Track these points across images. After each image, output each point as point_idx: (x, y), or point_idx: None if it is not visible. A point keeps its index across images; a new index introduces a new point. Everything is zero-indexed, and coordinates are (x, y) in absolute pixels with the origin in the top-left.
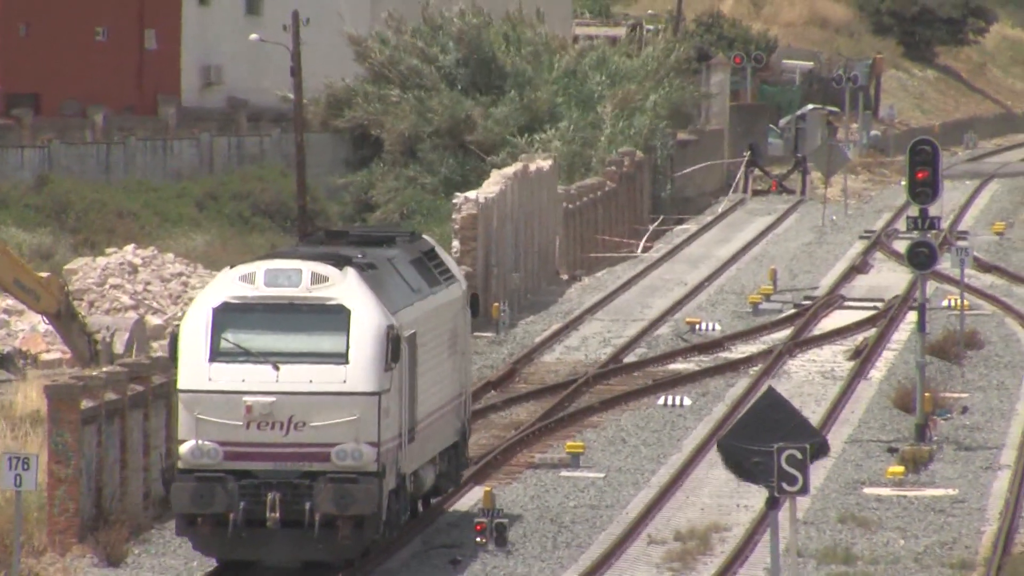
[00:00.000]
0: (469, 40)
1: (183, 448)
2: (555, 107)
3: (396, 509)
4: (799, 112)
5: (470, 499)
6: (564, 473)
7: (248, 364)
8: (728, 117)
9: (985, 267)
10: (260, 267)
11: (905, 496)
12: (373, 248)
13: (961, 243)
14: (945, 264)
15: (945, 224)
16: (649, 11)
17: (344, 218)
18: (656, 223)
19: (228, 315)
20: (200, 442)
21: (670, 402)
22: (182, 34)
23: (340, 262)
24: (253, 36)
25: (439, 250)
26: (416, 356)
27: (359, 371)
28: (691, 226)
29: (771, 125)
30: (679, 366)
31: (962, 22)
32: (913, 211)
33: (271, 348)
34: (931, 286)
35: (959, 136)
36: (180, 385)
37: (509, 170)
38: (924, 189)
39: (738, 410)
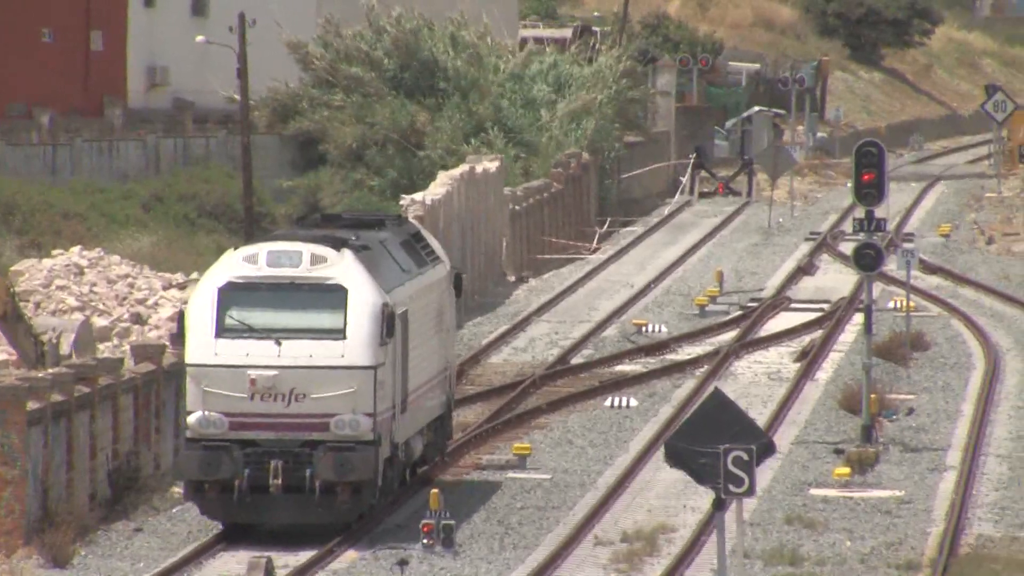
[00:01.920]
0: (406, 45)
1: (191, 418)
2: (500, 111)
3: (390, 476)
4: (745, 114)
5: (417, 501)
6: (511, 474)
7: (252, 340)
8: (674, 119)
9: (931, 269)
10: (263, 248)
11: (851, 497)
12: (365, 231)
13: (907, 245)
14: (891, 266)
15: (891, 226)
16: (595, 12)
17: (292, 219)
18: (605, 225)
19: (233, 294)
20: (207, 413)
21: (617, 403)
22: (128, 35)
23: (337, 244)
24: (199, 38)
25: (425, 233)
26: (407, 332)
27: (356, 346)
28: (638, 228)
29: (717, 127)
30: (626, 367)
31: (908, 24)
32: (859, 213)
33: (273, 325)
34: (877, 288)
35: (905, 138)
36: (188, 359)
37: (456, 172)
38: (870, 191)
39: (685, 411)
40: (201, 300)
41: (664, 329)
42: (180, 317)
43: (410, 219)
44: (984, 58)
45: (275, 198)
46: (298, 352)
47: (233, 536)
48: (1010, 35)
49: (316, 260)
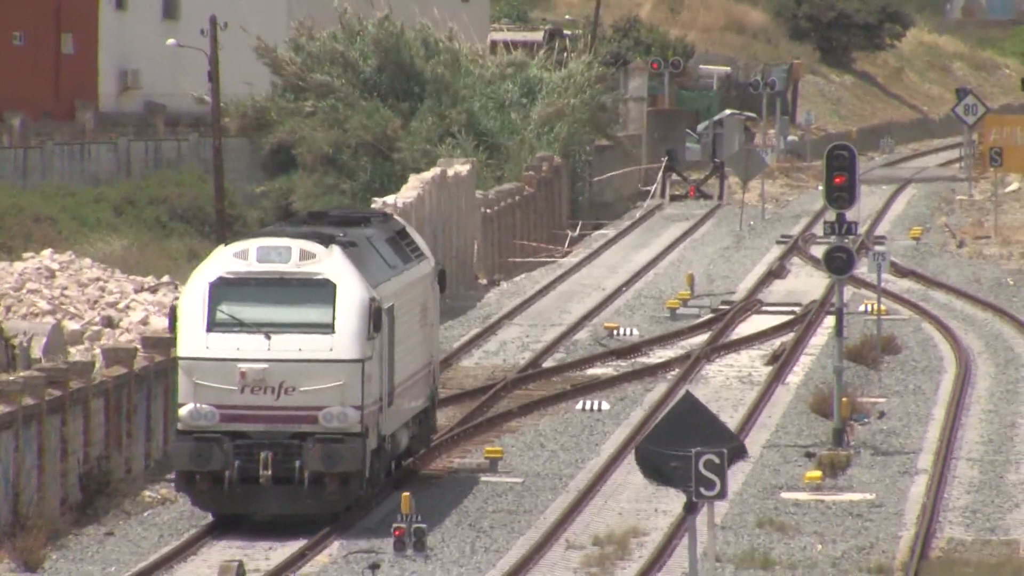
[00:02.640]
0: (387, 47)
1: (182, 411)
2: (472, 115)
3: (377, 467)
4: (717, 117)
5: (389, 504)
6: (483, 478)
7: (242, 334)
8: (646, 122)
9: (902, 272)
10: (253, 244)
11: (823, 501)
12: (352, 227)
13: (878, 248)
14: (862, 269)
15: (862, 229)
16: (567, 16)
17: (265, 223)
18: (576, 228)
19: (223, 289)
20: (198, 405)
21: (588, 407)
22: (99, 38)
23: (326, 240)
24: (170, 41)
25: (410, 229)
26: (393, 327)
27: (344, 340)
28: (609, 231)
29: (689, 130)
30: (597, 371)
31: (879, 28)
32: (830, 216)
33: (263, 319)
34: (848, 291)
35: (876, 141)
36: (180, 353)
37: (427, 175)
38: (841, 194)
39: (656, 415)
40: (192, 295)
41: (635, 332)
42: (172, 312)
43: (395, 217)
44: (955, 61)
45: (247, 201)
46: (287, 346)
47: (207, 539)
48: (981, 38)
49: (305, 256)
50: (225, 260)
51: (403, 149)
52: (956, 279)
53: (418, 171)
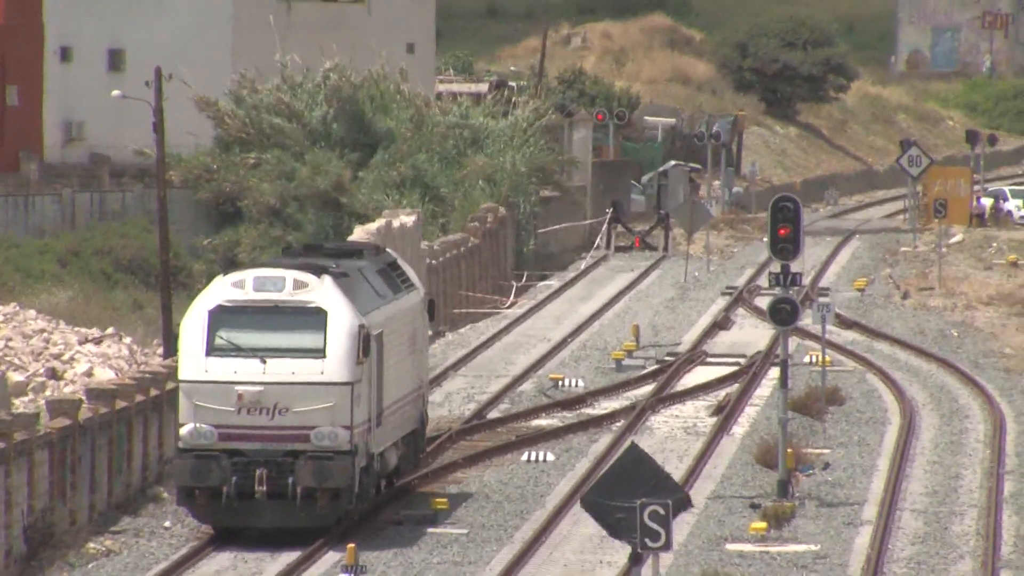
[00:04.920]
0: (342, 96)
1: (183, 430)
2: (419, 164)
3: (367, 483)
4: (661, 168)
5: (334, 555)
6: (428, 529)
7: (239, 358)
8: (591, 173)
9: (847, 323)
10: (249, 275)
11: (768, 552)
12: (345, 259)
13: (823, 299)
14: (807, 320)
15: (807, 280)
16: (512, 67)
17: (210, 275)
18: (522, 279)
19: (222, 316)
20: (198, 425)
21: (533, 458)
22: (44, 90)
23: (318, 270)
24: (115, 92)
25: (401, 262)
26: (382, 352)
27: (335, 364)
28: (554, 282)
29: (634, 181)
30: (542, 422)
31: (823, 80)
32: (775, 267)
33: (259, 344)
34: (793, 342)
35: (821, 193)
36: (181, 376)
37: (373, 226)
38: (786, 245)
39: (601, 466)
40: (193, 322)
41: (581, 383)
42: (174, 337)
43: (387, 250)
44: (899, 113)
45: (192, 253)
46: (282, 369)
47: None
48: (924, 91)
49: (299, 285)
50: (224, 289)
51: (355, 199)
52: (900, 330)
53: (367, 221)
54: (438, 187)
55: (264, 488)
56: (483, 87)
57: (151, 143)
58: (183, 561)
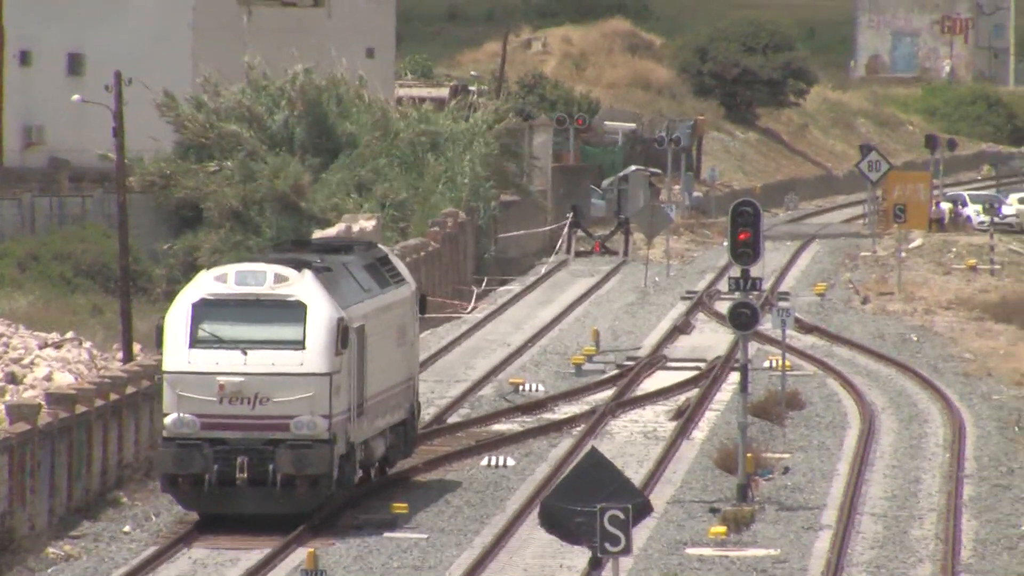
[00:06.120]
0: (309, 99)
1: (167, 420)
2: (380, 168)
3: (347, 471)
4: (622, 173)
5: (294, 560)
6: (388, 534)
7: (221, 350)
8: (551, 178)
9: (806, 328)
10: (232, 269)
11: (727, 556)
12: (331, 254)
13: (782, 304)
14: (767, 325)
15: (767, 285)
16: (472, 72)
17: (170, 280)
18: (482, 284)
19: (205, 309)
20: (181, 415)
21: (493, 463)
22: (4, 94)
23: (299, 265)
24: (75, 97)
25: (393, 257)
26: (364, 344)
27: (313, 355)
28: (515, 287)
29: (594, 186)
30: (502, 427)
31: (783, 84)
32: (735, 272)
33: (240, 336)
34: (753, 347)
35: (780, 197)
36: (165, 367)
37: (332, 230)
38: (746, 250)
39: (561, 470)
40: (177, 314)
41: (541, 388)
42: (158, 330)
43: (378, 246)
44: (859, 118)
45: (152, 258)
46: (262, 360)
47: None
48: (884, 95)
49: (279, 279)
50: (207, 283)
51: (313, 201)
52: (860, 335)
53: (326, 225)
54: (397, 192)
55: (245, 475)
56: (443, 91)
57: (111, 147)
58: (143, 565)
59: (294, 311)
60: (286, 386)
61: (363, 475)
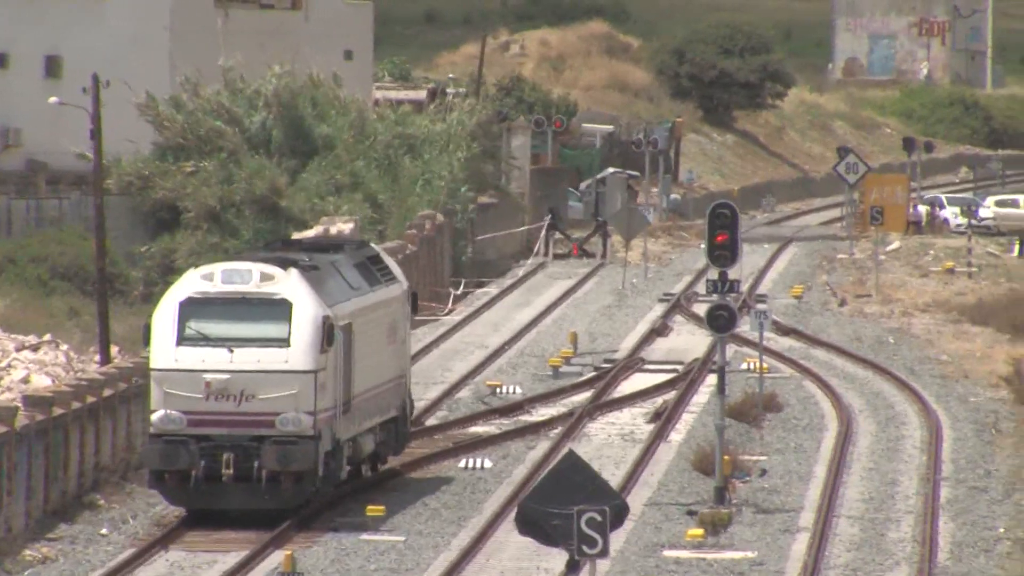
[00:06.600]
0: (284, 101)
1: (154, 416)
2: (357, 171)
3: (332, 467)
4: (599, 176)
5: (271, 562)
6: (365, 536)
7: (208, 347)
8: (529, 180)
9: (784, 330)
10: (218, 268)
11: (704, 559)
12: (320, 253)
13: (760, 306)
14: (744, 327)
15: (744, 287)
16: (450, 75)
17: (147, 282)
18: (460, 287)
19: (192, 307)
20: (168, 411)
21: (471, 465)
22: None
23: (285, 264)
24: (52, 99)
25: (384, 256)
26: (351, 342)
27: (298, 353)
28: (492, 289)
29: (571, 188)
30: (480, 429)
31: (760, 87)
32: (712, 274)
33: (227, 334)
34: (730, 349)
35: (758, 200)
36: (152, 365)
37: (309, 233)
38: (723, 252)
39: (539, 473)
40: (164, 312)
41: (518, 390)
42: (146, 328)
43: (370, 244)
44: (836, 120)
45: (129, 261)
46: (248, 358)
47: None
48: (861, 98)
49: (265, 278)
50: (194, 281)
51: (293, 204)
52: (837, 337)
53: (305, 227)
54: (376, 194)
55: (231, 471)
56: (421, 94)
57: (89, 149)
58: (120, 568)
59: (279, 309)
60: (271, 383)
61: (355, 471)
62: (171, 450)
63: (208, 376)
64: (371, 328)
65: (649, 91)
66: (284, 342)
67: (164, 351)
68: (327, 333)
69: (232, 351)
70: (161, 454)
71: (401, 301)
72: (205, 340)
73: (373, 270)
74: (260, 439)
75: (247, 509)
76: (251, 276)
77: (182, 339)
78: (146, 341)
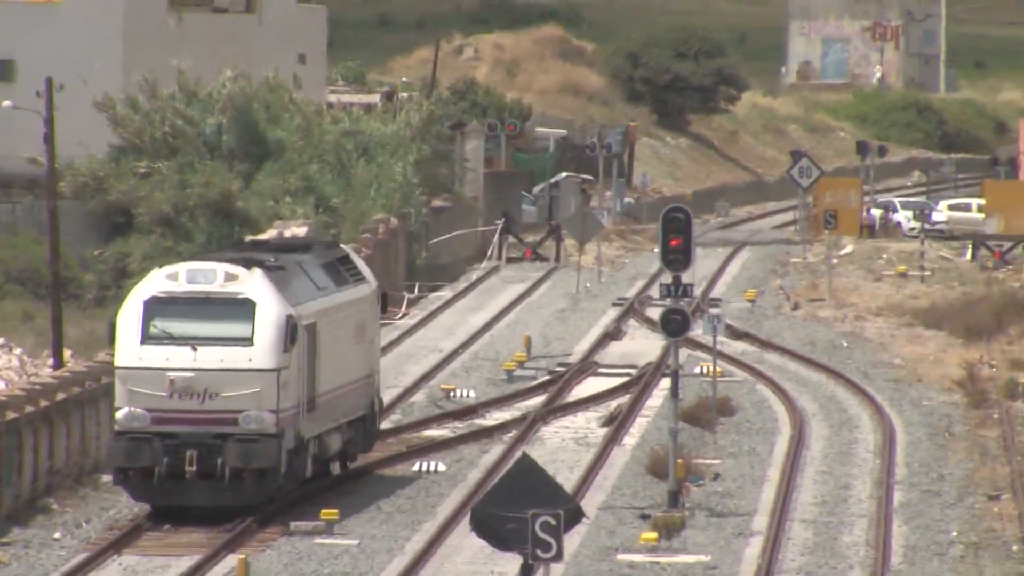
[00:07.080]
0: (238, 105)
1: (118, 414)
2: (310, 175)
3: (296, 465)
4: (553, 179)
5: (224, 566)
6: (318, 540)
7: (172, 346)
8: (482, 184)
9: (737, 334)
10: (183, 267)
11: (658, 563)
12: (287, 254)
13: (713, 310)
14: (698, 331)
15: (698, 291)
16: (403, 78)
17: (101, 286)
18: (414, 290)
19: (156, 306)
20: (132, 409)
21: (425, 469)
22: None
23: (249, 263)
24: (6, 103)
25: (354, 257)
26: (316, 341)
27: (261, 352)
28: (446, 293)
29: (525, 192)
30: (434, 433)
31: (714, 90)
32: (666, 278)
33: (190, 333)
34: (684, 353)
35: (711, 204)
36: (116, 363)
37: (263, 237)
38: (677, 256)
39: (493, 477)
40: (129, 311)
41: (472, 394)
42: (111, 326)
43: (339, 245)
44: (789, 124)
45: (82, 265)
46: (211, 357)
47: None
48: (815, 102)
49: (229, 277)
50: (158, 281)
51: (248, 207)
52: (791, 341)
53: (259, 230)
54: (329, 197)
55: (194, 468)
56: (375, 98)
57: (42, 153)
58: (73, 572)
59: (243, 308)
60: (234, 381)
61: (323, 470)
62: (135, 447)
63: (172, 374)
64: (337, 328)
65: (603, 95)
66: (247, 341)
67: (128, 349)
68: (290, 332)
69: (196, 349)
70: (125, 451)
71: (370, 301)
72: (169, 339)
73: (341, 270)
74: (223, 437)
75: (210, 506)
76: (215, 276)
77: (146, 337)
78: (111, 339)
